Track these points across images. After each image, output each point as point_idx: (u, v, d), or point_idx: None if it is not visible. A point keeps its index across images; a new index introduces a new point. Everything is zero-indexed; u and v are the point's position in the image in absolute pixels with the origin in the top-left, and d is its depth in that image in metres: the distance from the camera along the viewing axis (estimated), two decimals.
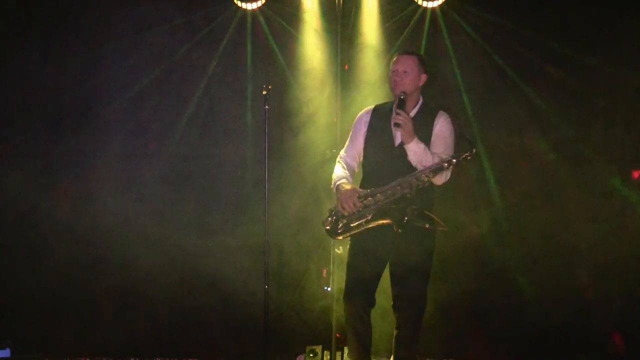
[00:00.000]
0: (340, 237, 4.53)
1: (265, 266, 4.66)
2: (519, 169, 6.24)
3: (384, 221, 4.39)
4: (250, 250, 6.06)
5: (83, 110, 6.33)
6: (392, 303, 4.60)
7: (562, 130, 6.17)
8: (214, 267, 6.21)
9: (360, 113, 4.75)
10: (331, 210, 4.50)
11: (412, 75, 4.52)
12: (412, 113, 4.55)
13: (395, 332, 4.57)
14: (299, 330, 6.12)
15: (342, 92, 6.17)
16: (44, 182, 6.21)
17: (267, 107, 4.65)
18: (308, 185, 6.15)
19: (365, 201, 4.41)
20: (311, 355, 5.82)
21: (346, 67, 6.20)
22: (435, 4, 6.20)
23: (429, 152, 4.44)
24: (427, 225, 4.40)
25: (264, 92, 4.64)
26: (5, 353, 5.70)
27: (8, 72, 6.23)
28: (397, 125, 4.39)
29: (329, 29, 6.30)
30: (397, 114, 4.39)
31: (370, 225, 4.42)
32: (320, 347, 5.86)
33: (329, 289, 6.01)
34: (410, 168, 4.47)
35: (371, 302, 4.59)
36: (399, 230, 4.35)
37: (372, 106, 4.75)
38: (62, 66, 6.29)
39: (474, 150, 4.37)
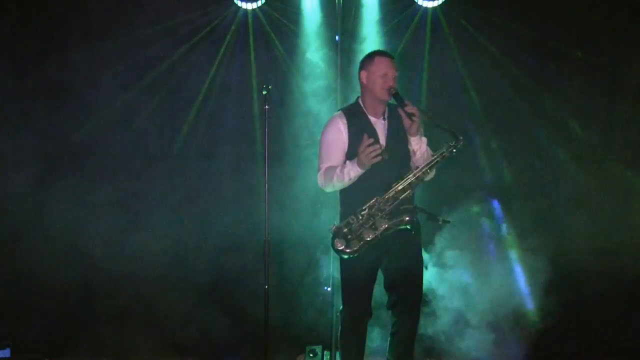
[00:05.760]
0: (357, 254, 4.30)
1: (266, 266, 4.65)
2: (522, 166, 6.28)
3: (402, 224, 4.29)
4: (250, 250, 6.06)
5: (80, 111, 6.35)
6: (388, 305, 4.53)
7: (563, 128, 6.19)
8: (214, 267, 6.22)
9: (330, 121, 4.49)
10: (337, 231, 4.29)
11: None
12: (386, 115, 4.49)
13: (391, 332, 4.55)
14: (299, 330, 6.12)
15: (342, 91, 6.17)
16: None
17: (267, 107, 4.64)
18: (308, 185, 6.15)
19: (371, 211, 4.29)
20: (311, 355, 5.82)
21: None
22: (435, 4, 6.21)
23: (427, 147, 4.42)
24: (440, 221, 4.38)
25: (264, 92, 4.62)
26: (5, 353, 5.70)
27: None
28: (413, 115, 4.26)
29: (329, 29, 6.30)
30: (407, 104, 4.29)
31: (387, 233, 4.29)
32: (320, 347, 5.86)
33: (328, 289, 6.02)
34: (401, 169, 4.37)
35: (367, 312, 4.50)
36: (412, 232, 4.32)
37: (339, 112, 4.53)
38: (62, 63, 6.30)
39: (460, 139, 4.29)
